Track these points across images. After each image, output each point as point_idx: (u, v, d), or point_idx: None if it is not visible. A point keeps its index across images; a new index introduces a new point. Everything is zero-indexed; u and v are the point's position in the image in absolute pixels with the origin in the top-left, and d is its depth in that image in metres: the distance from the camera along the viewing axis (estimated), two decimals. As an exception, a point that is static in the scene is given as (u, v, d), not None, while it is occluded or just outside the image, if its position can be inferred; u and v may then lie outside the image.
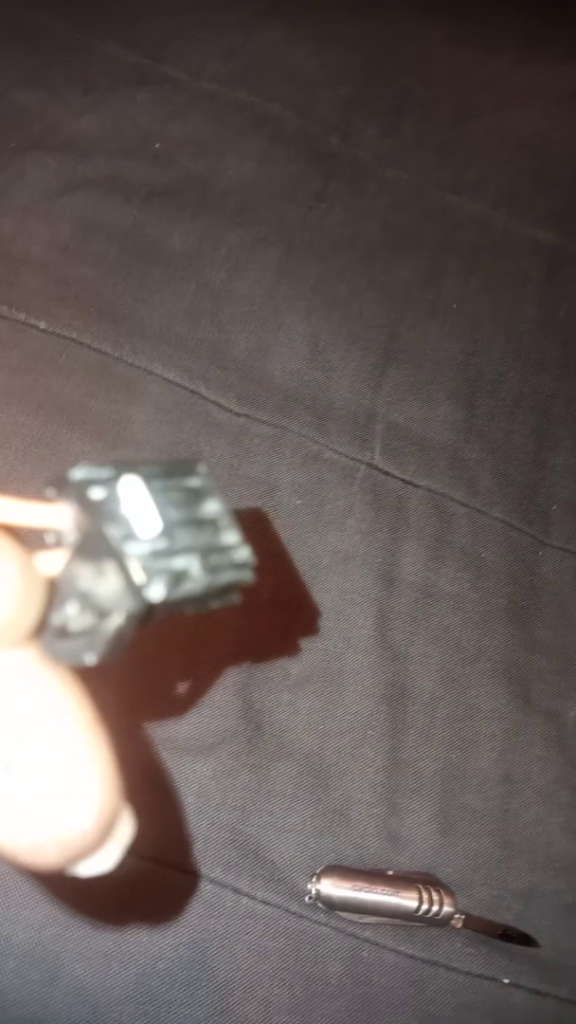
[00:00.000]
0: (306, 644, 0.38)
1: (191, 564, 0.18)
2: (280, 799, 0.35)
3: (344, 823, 0.35)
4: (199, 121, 0.48)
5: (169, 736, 0.35)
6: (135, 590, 0.17)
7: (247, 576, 0.18)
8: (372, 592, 0.39)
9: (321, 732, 0.36)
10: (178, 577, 0.17)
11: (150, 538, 0.17)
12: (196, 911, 0.32)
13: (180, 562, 0.18)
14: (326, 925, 0.33)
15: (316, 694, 0.37)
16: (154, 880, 0.32)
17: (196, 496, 0.18)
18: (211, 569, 0.18)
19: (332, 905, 0.34)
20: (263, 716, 0.36)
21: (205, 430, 0.42)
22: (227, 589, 0.18)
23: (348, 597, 0.39)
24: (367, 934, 0.34)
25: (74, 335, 0.42)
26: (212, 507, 0.19)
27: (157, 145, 0.48)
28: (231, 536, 0.19)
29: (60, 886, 0.30)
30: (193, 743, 0.35)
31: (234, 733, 0.35)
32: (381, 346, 0.45)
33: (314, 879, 0.34)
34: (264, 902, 0.33)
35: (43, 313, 0.42)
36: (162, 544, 0.18)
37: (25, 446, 0.39)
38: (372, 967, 0.33)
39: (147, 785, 0.34)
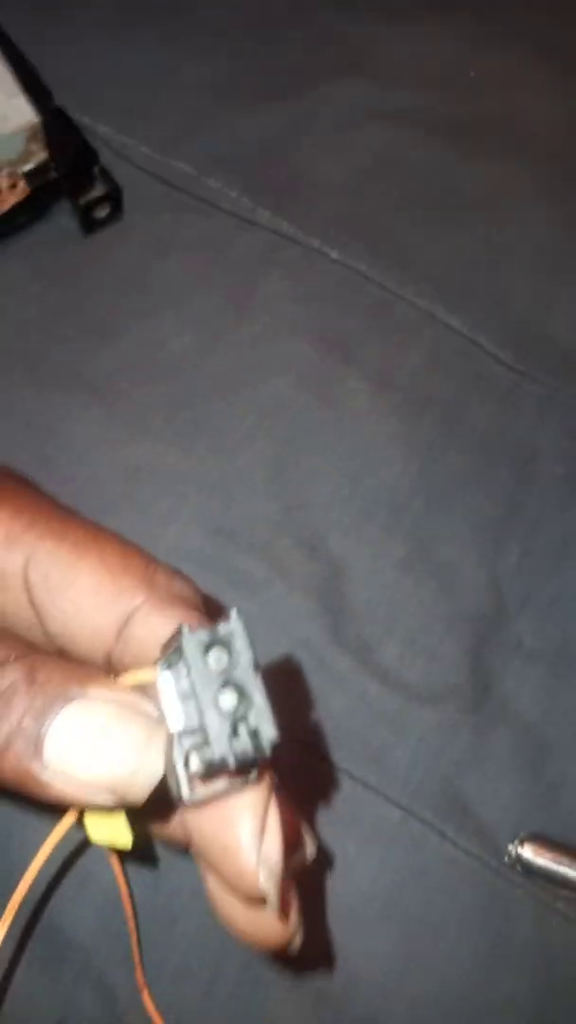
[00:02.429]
0: (544, 620, 0.38)
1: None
2: (495, 762, 0.36)
3: (555, 799, 0.36)
4: (508, 55, 0.45)
5: (401, 680, 0.36)
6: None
7: (264, 752, 0.19)
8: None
9: (546, 707, 0.37)
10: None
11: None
12: (402, 844, 0.34)
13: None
14: (521, 888, 0.35)
15: (547, 670, 0.37)
16: (371, 806, 0.34)
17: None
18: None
19: (529, 870, 0.35)
20: (491, 679, 0.37)
21: (476, 383, 0.41)
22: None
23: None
24: (559, 905, 0.35)
25: (362, 267, 0.42)
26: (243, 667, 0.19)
27: (471, 74, 0.46)
28: (259, 703, 0.19)
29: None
30: (423, 691, 0.36)
31: (461, 690, 0.36)
32: None
33: (516, 842, 0.35)
34: (465, 851, 0.35)
35: (336, 242, 0.42)
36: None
37: (301, 376, 0.40)
38: (558, 938, 0.34)
39: (381, 721, 0.35)
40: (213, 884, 0.23)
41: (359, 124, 0.44)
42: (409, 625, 0.37)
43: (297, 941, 0.24)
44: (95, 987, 0.32)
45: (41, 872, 0.29)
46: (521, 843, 0.35)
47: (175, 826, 0.26)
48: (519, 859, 0.35)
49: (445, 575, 0.38)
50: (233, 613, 0.19)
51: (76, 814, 0.21)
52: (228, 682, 0.18)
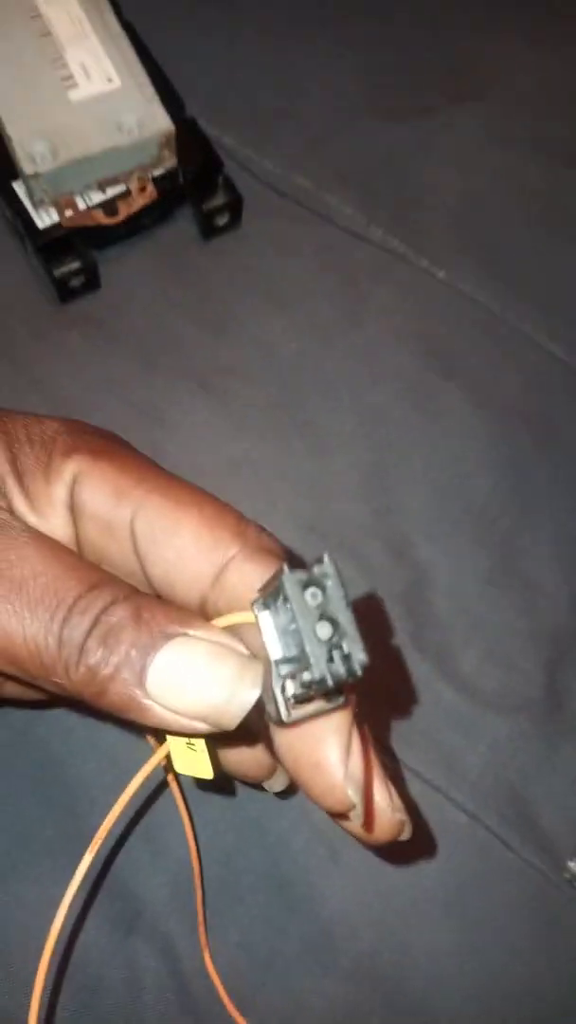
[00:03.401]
0: (624, 642, 0.38)
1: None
2: (563, 777, 0.36)
3: (620, 819, 0.36)
4: None
5: (477, 688, 0.37)
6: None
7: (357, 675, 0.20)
8: None
9: (618, 728, 0.37)
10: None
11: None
12: (467, 849, 0.35)
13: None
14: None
15: (622, 692, 0.38)
16: (439, 809, 0.35)
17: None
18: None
19: (588, 888, 0.35)
20: (564, 696, 0.38)
21: (571, 408, 0.42)
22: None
23: None
24: (614, 926, 0.35)
25: (468, 290, 0.44)
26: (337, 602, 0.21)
27: (590, 108, 0.47)
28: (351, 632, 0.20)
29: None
30: (497, 700, 0.37)
31: (535, 703, 0.37)
32: None
33: (577, 859, 0.36)
34: (527, 862, 0.35)
35: (445, 263, 0.44)
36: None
37: (402, 388, 0.42)
38: (612, 957, 0.35)
39: (455, 726, 0.36)
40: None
41: (480, 148, 0.46)
42: (488, 636, 0.38)
43: (408, 831, 0.26)
44: (162, 952, 0.34)
45: (111, 832, 0.31)
46: (582, 860, 0.36)
47: (257, 756, 0.29)
48: (578, 876, 0.36)
49: (527, 591, 0.39)
50: (326, 557, 0.21)
51: (167, 748, 0.23)
52: (324, 615, 0.20)
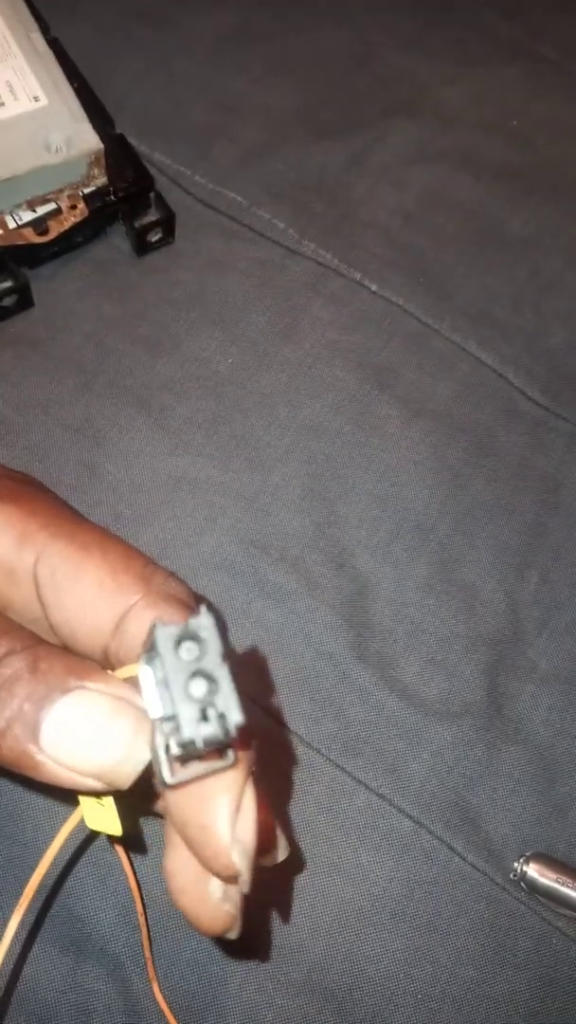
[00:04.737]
0: (559, 646, 0.39)
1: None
2: (506, 780, 0.37)
3: (562, 819, 0.37)
4: (562, 104, 0.48)
5: (419, 695, 0.38)
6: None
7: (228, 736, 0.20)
8: None
9: (557, 730, 0.38)
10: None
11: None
12: (413, 855, 0.36)
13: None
14: (524, 904, 0.36)
15: (560, 694, 0.38)
16: (385, 817, 0.36)
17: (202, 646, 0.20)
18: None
19: (534, 889, 0.36)
20: (505, 700, 0.38)
21: (504, 415, 0.43)
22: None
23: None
24: (560, 924, 0.36)
25: (400, 301, 0.44)
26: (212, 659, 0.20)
27: (515, 123, 0.48)
28: (226, 690, 0.20)
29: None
30: (439, 706, 0.38)
31: (477, 708, 0.38)
32: None
33: (522, 860, 0.36)
34: (473, 865, 0.36)
35: (377, 276, 0.44)
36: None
37: (338, 401, 0.42)
38: (559, 955, 0.35)
39: (398, 734, 0.37)
40: (171, 860, 0.24)
41: (410, 164, 0.46)
42: (429, 644, 0.39)
43: (235, 931, 0.25)
44: (111, 975, 0.34)
45: (57, 859, 0.30)
46: (526, 862, 0.36)
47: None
48: (523, 877, 0.36)
49: (466, 598, 0.40)
50: (202, 608, 0.20)
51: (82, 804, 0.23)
52: (198, 671, 0.20)
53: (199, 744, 0.20)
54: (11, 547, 0.24)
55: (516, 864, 0.36)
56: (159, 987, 0.33)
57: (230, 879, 0.23)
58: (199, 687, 0.20)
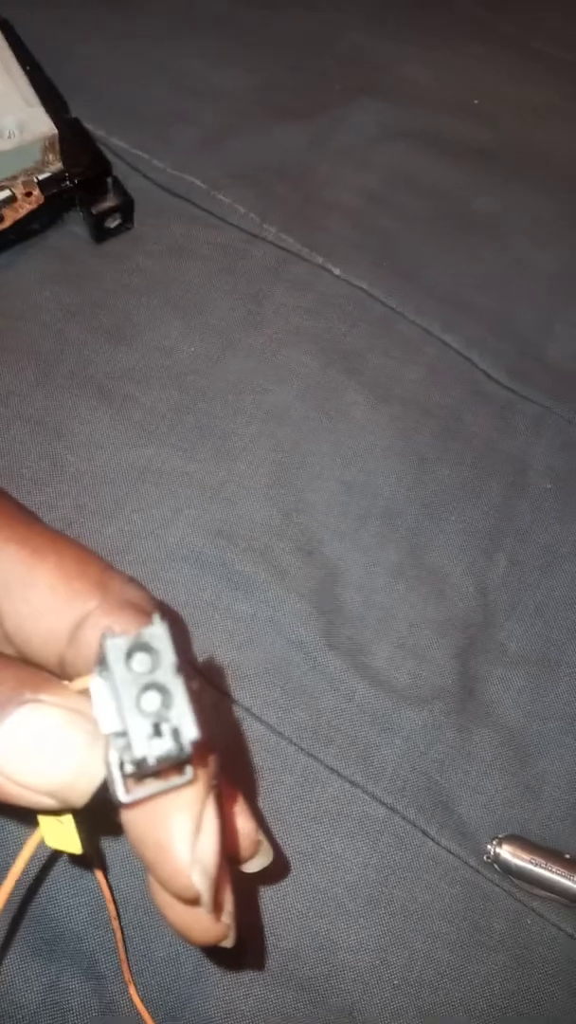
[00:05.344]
0: (528, 628, 0.39)
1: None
2: (478, 763, 0.37)
3: (534, 800, 0.37)
4: (524, 82, 0.47)
5: (390, 681, 0.38)
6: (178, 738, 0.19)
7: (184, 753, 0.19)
8: (605, 590, 0.40)
9: (528, 712, 0.38)
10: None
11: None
12: (386, 841, 0.36)
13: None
14: (498, 886, 0.36)
15: (529, 676, 0.38)
16: (357, 804, 0.36)
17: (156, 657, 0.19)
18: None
19: (507, 870, 0.36)
20: (476, 683, 0.38)
21: (471, 398, 0.43)
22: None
23: (580, 590, 0.40)
24: (534, 904, 0.36)
25: (364, 285, 0.44)
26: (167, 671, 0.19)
27: (476, 101, 0.47)
28: (180, 706, 0.19)
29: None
30: (410, 692, 0.38)
31: (448, 692, 0.38)
32: None
33: (495, 842, 0.36)
34: (447, 849, 0.36)
35: (340, 259, 0.44)
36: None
37: (304, 387, 0.42)
38: (533, 935, 0.36)
39: (369, 721, 0.37)
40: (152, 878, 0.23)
41: (373, 144, 0.46)
42: (400, 629, 0.39)
43: (231, 940, 0.24)
44: (85, 974, 0.33)
45: (30, 863, 0.29)
46: (499, 843, 0.36)
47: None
48: (497, 859, 0.36)
49: (435, 582, 0.39)
50: (155, 618, 0.19)
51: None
52: (151, 684, 0.19)
53: (151, 762, 0.19)
54: None
55: (490, 846, 0.36)
56: (135, 988, 0.33)
57: (190, 901, 0.22)
58: (152, 701, 0.19)
